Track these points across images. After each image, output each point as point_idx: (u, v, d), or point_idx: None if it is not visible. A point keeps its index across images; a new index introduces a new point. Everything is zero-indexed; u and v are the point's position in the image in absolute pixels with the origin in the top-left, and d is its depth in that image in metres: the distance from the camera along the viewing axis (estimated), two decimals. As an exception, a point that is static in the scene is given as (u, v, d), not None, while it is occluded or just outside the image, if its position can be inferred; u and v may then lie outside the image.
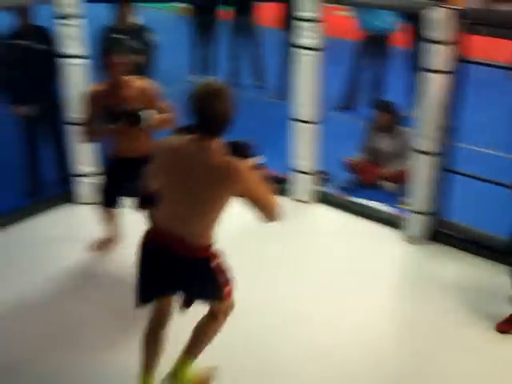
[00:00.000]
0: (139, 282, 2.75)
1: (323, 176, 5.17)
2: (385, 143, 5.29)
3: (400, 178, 5.09)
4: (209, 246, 2.69)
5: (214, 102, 2.47)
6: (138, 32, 4.85)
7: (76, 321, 3.55)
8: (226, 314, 2.89)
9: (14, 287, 3.81)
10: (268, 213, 2.62)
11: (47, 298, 3.76)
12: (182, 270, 2.68)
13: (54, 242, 4.28)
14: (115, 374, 3.14)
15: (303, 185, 4.85)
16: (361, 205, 4.78)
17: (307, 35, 4.41)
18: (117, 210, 4.02)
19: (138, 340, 2.90)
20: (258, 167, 2.63)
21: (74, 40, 4.35)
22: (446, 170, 4.21)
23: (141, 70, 4.85)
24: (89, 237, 4.20)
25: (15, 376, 3.16)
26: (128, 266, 3.01)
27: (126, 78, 3.68)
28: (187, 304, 2.82)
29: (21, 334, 3.46)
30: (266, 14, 7.76)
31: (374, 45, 6.73)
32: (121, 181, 3.84)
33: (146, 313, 2.87)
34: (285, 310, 3.64)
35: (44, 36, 4.71)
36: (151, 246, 2.68)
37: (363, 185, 5.28)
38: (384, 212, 4.65)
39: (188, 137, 2.57)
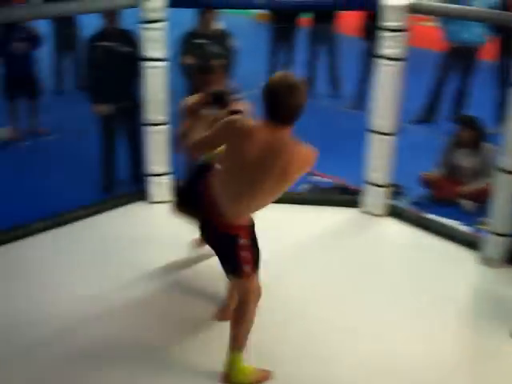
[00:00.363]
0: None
1: (397, 190, 5.05)
2: (466, 160, 5.11)
3: (480, 197, 4.90)
4: (243, 226, 2.86)
5: (290, 94, 2.61)
6: (219, 37, 4.91)
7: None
8: (249, 300, 2.97)
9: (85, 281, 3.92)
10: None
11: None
12: (216, 239, 2.94)
13: (120, 238, 4.36)
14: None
15: (375, 197, 4.74)
16: (435, 222, 4.63)
17: (390, 45, 4.32)
18: None
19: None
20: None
21: (157, 43, 4.44)
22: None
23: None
24: (154, 235, 4.30)
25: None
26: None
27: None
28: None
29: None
30: (347, 22, 7.67)
31: (461, 57, 6.52)
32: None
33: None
34: (346, 323, 3.56)
35: (128, 39, 4.88)
36: (203, 208, 2.93)
37: (439, 201, 5.11)
38: (459, 231, 4.48)
39: (263, 123, 2.70)
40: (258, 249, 2.96)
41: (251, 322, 3.01)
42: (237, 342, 3.02)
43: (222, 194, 2.81)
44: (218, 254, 3.01)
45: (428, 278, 4.02)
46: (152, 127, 4.66)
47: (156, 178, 4.81)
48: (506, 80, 5.71)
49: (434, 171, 5.23)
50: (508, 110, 3.89)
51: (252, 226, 2.94)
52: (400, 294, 3.84)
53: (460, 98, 6.63)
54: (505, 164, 3.96)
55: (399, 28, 4.28)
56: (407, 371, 3.26)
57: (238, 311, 3.01)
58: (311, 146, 2.74)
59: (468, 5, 6.26)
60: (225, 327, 3.11)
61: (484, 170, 4.99)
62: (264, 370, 3.12)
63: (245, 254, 2.88)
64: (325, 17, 7.34)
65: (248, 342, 3.05)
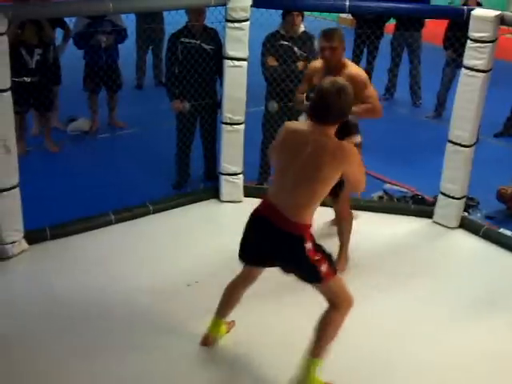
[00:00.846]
0: (241, 242, 3.09)
1: (472, 203, 4.95)
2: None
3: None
4: (304, 226, 2.88)
5: (332, 96, 2.80)
6: (303, 39, 4.93)
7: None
8: (339, 306, 2.93)
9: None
10: (356, 188, 3.06)
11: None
12: (277, 242, 2.90)
13: (190, 232, 4.48)
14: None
15: (450, 209, 4.67)
16: (508, 237, 4.52)
17: (476, 56, 4.24)
18: None
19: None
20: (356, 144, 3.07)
21: (240, 43, 4.53)
22: None
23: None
24: (223, 233, 4.39)
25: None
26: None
27: (341, 62, 3.84)
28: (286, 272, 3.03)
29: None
30: (434, 31, 7.55)
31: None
32: None
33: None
34: (414, 332, 3.56)
35: (211, 36, 4.89)
36: (257, 214, 2.99)
37: (514, 217, 4.98)
38: (504, 235, 4.38)
39: (307, 122, 2.94)
40: (324, 249, 2.96)
41: (336, 330, 2.95)
42: (317, 348, 2.96)
43: (280, 193, 2.90)
44: (284, 265, 2.98)
45: (496, 293, 3.95)
46: (229, 126, 4.76)
47: (229, 176, 4.90)
48: None
49: (511, 186, 5.10)
50: None
51: (311, 226, 2.94)
52: (464, 309, 3.79)
53: None
54: None
55: (487, 39, 4.20)
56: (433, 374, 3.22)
57: (326, 316, 2.95)
58: (350, 145, 2.95)
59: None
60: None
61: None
62: None
63: (316, 256, 2.88)
64: (409, 24, 7.24)
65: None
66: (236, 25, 4.48)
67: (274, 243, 2.91)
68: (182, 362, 3.29)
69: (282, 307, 3.67)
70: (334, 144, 2.85)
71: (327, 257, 2.93)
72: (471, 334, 3.58)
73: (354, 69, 3.88)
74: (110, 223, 4.51)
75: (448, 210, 4.68)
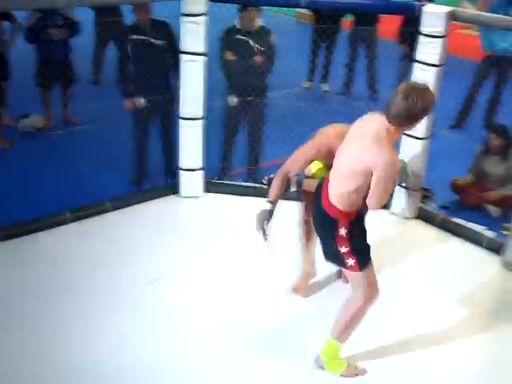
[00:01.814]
0: None
1: (427, 193, 5.07)
2: (495, 167, 5.11)
3: (506, 203, 4.95)
4: (342, 212, 2.95)
5: (406, 97, 2.74)
6: (260, 34, 4.95)
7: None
8: (362, 296, 3.03)
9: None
10: (375, 203, 2.90)
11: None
12: (318, 218, 3.11)
13: (149, 229, 4.46)
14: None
15: (406, 201, 4.78)
16: (462, 226, 4.66)
17: (429, 51, 4.34)
18: None
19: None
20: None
21: (197, 37, 4.51)
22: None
23: (262, 72, 4.98)
24: (183, 229, 4.40)
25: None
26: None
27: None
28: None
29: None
30: (389, 27, 7.66)
31: (497, 66, 6.50)
32: None
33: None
34: (379, 323, 3.59)
35: (163, 31, 4.83)
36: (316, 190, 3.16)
37: (467, 206, 5.12)
38: (484, 236, 4.50)
39: (377, 116, 2.88)
40: (364, 244, 3.05)
41: (358, 320, 3.07)
42: (337, 331, 3.10)
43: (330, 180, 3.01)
44: (319, 235, 3.18)
45: (451, 280, 4.07)
46: (188, 121, 4.74)
47: (189, 172, 4.89)
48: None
49: (464, 177, 5.24)
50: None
51: (358, 219, 3.02)
52: (422, 296, 3.89)
53: (494, 106, 6.59)
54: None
55: (438, 34, 4.30)
56: (423, 372, 3.31)
57: (348, 303, 3.07)
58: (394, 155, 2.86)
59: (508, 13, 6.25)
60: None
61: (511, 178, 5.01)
62: (358, 367, 3.21)
63: (344, 249, 2.98)
64: (365, 19, 7.35)
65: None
66: (192, 19, 4.46)
67: (317, 217, 3.13)
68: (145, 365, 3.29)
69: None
70: (377, 145, 2.88)
71: (357, 251, 2.99)
72: (421, 319, 3.68)
73: None
74: (65, 222, 4.45)
75: (404, 201, 4.78)
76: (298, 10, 10.61)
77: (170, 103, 5.05)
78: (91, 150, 5.66)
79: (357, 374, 3.19)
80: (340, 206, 2.96)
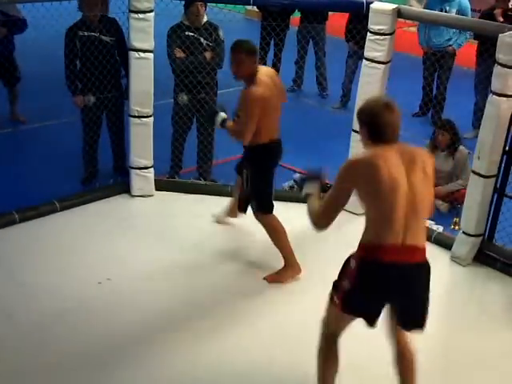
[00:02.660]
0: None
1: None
2: (443, 163, 5.22)
3: (454, 198, 5.08)
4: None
5: (391, 113, 2.64)
6: (207, 30, 4.92)
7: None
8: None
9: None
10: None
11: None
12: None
13: (99, 229, 4.40)
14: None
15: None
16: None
17: (376, 48, 4.40)
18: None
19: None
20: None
21: (145, 34, 4.46)
22: (501, 194, 4.19)
23: (212, 68, 4.95)
24: (135, 228, 4.36)
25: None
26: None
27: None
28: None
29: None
30: (337, 24, 7.75)
31: (437, 61, 6.68)
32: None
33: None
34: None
35: (111, 27, 4.76)
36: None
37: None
38: (434, 230, 4.60)
39: (378, 149, 2.67)
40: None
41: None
42: None
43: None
44: None
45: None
46: (137, 119, 4.68)
47: (140, 170, 4.82)
48: (484, 87, 5.87)
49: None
50: (484, 116, 4.03)
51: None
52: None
53: (439, 102, 6.76)
54: (478, 167, 4.10)
55: (385, 32, 4.37)
56: (372, 366, 3.34)
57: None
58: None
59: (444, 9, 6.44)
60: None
61: (459, 173, 5.14)
62: None
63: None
64: (313, 17, 7.40)
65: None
66: (140, 15, 4.41)
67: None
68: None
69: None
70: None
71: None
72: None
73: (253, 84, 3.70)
74: (13, 222, 4.34)
75: (354, 197, 4.83)
76: (245, 7, 10.59)
77: (119, 101, 4.98)
78: (40, 149, 5.53)
79: None
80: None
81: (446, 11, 6.48)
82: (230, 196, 4.82)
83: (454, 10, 6.53)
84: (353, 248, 4.21)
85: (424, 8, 6.43)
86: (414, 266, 2.63)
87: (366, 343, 3.30)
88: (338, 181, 2.72)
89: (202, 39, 4.89)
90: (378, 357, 3.25)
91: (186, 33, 4.88)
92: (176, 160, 5.24)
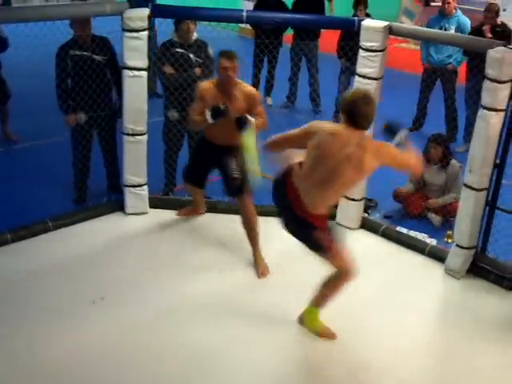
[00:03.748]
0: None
1: (370, 204, 5.17)
2: (435, 176, 5.26)
3: (447, 211, 5.10)
4: (320, 216, 3.35)
5: (365, 105, 3.18)
6: (197, 47, 4.96)
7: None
8: (342, 276, 3.46)
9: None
10: (411, 169, 3.45)
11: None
12: (293, 225, 3.46)
13: (94, 247, 4.40)
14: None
15: (350, 211, 4.86)
16: (405, 235, 4.77)
17: (368, 64, 4.44)
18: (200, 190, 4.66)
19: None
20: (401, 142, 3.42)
21: (139, 53, 4.49)
22: (492, 207, 4.22)
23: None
24: (129, 246, 4.35)
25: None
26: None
27: (236, 81, 4.16)
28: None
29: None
30: (330, 40, 7.82)
31: (437, 78, 6.76)
32: (207, 163, 4.43)
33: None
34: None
35: (102, 46, 4.79)
36: (282, 190, 3.41)
37: (409, 215, 5.25)
38: (427, 244, 4.63)
39: (341, 126, 3.27)
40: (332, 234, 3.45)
41: (337, 292, 3.53)
42: (318, 300, 3.59)
43: (305, 185, 3.31)
44: (297, 237, 3.49)
45: (396, 288, 4.16)
46: (131, 137, 4.70)
47: (134, 188, 4.83)
48: (474, 101, 5.92)
49: (405, 186, 5.37)
50: (475, 131, 4.06)
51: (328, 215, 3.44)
52: (368, 306, 3.96)
53: (453, 118, 6.77)
54: (470, 181, 4.13)
55: (377, 48, 4.42)
56: (370, 381, 3.36)
57: (332, 279, 3.50)
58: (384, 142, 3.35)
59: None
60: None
61: (451, 187, 5.16)
62: (330, 331, 3.65)
63: (320, 236, 3.35)
64: (305, 34, 7.47)
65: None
66: (134, 34, 4.44)
67: (292, 224, 3.46)
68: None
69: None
70: (373, 144, 3.30)
71: (332, 239, 3.40)
72: (368, 327, 3.76)
73: (248, 86, 4.27)
74: (6, 242, 4.32)
75: (349, 211, 4.86)
76: (238, 25, 10.68)
77: (111, 119, 4.99)
78: (33, 168, 5.51)
79: (329, 336, 3.64)
80: (320, 212, 3.35)
81: (445, 29, 6.57)
82: (224, 212, 4.85)
83: (453, 27, 6.62)
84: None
85: (425, 26, 6.51)
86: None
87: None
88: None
89: (191, 56, 4.93)
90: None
91: (177, 49, 4.92)
92: (169, 177, 5.25)
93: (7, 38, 5.85)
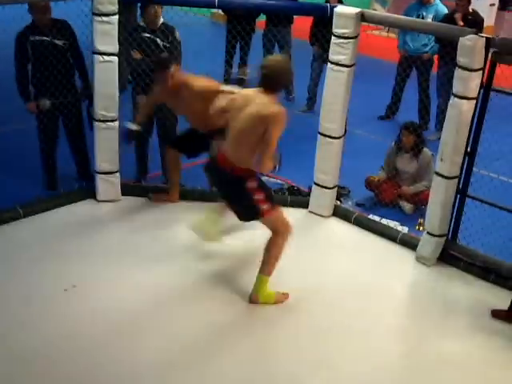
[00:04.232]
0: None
1: (343, 192, 5.19)
2: (407, 164, 5.30)
3: (419, 200, 5.15)
4: (248, 171, 3.58)
5: (274, 67, 3.56)
6: (164, 31, 4.88)
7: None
8: (282, 233, 3.66)
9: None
10: (267, 158, 3.53)
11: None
12: (226, 186, 3.74)
13: (65, 235, 4.35)
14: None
15: (323, 199, 4.87)
16: (377, 223, 4.81)
17: (341, 52, 4.44)
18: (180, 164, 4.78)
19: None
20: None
21: (110, 37, 4.41)
22: (463, 195, 4.27)
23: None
24: (100, 233, 4.32)
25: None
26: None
27: (181, 82, 4.38)
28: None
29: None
30: (303, 27, 7.80)
31: (416, 67, 6.80)
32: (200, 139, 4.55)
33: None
34: (292, 323, 3.69)
35: (64, 31, 4.68)
36: (213, 164, 3.83)
37: (381, 203, 5.29)
38: (399, 231, 4.67)
39: (253, 89, 3.65)
40: (268, 189, 3.74)
41: (280, 253, 3.68)
42: (265, 267, 3.70)
43: (227, 145, 3.63)
44: (232, 201, 3.77)
45: (368, 275, 4.19)
46: (103, 123, 4.63)
47: (105, 175, 4.76)
48: (446, 89, 5.98)
49: (378, 174, 5.40)
50: (447, 118, 4.10)
51: (258, 175, 3.67)
52: (341, 292, 3.99)
53: (424, 106, 6.81)
54: (441, 169, 4.17)
55: (349, 35, 4.41)
56: (342, 366, 3.39)
57: (270, 242, 3.68)
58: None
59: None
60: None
61: (423, 175, 5.21)
62: (283, 293, 3.81)
63: (257, 196, 3.58)
64: (278, 20, 7.43)
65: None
66: (104, 19, 4.36)
67: (225, 185, 3.75)
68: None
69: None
70: (275, 108, 3.52)
71: (268, 197, 3.63)
72: (340, 314, 3.79)
73: (198, 81, 4.42)
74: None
75: (321, 199, 4.87)
76: (212, 10, 10.57)
77: (75, 105, 4.90)
78: (1, 154, 5.36)
79: (285, 298, 3.80)
80: (245, 166, 3.56)
81: (422, 17, 6.60)
82: (196, 200, 4.83)
83: (431, 16, 6.64)
84: (321, 248, 4.32)
85: (403, 14, 6.53)
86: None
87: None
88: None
89: (158, 40, 4.86)
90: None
91: (144, 34, 4.84)
92: (141, 164, 5.19)
93: None
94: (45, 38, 4.64)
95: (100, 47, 4.43)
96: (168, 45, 4.87)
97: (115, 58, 4.50)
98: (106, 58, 4.46)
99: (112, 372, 3.22)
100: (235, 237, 4.38)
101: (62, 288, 3.77)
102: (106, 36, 4.40)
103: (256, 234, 4.07)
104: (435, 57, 6.77)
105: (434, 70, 6.80)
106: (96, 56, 4.46)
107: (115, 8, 4.37)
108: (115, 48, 4.47)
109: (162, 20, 4.91)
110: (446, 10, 6.75)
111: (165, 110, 4.89)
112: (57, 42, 4.67)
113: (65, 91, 4.77)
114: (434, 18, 6.59)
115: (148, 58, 4.83)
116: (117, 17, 4.40)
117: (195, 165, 5.01)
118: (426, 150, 5.24)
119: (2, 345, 3.32)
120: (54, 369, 3.21)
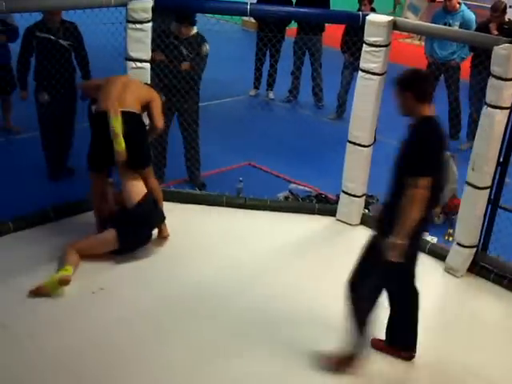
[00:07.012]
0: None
1: (371, 200, 5.15)
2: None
3: (448, 209, 5.07)
4: None
5: None
6: (192, 42, 4.93)
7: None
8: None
9: None
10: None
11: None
12: None
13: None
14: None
15: (351, 207, 4.85)
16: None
17: (372, 60, 4.42)
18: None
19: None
20: None
21: (143, 44, 4.49)
22: (495, 205, 4.20)
23: (191, 78, 4.96)
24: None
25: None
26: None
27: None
28: None
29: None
30: (334, 35, 7.79)
31: (445, 75, 6.74)
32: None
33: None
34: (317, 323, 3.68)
35: (71, 32, 4.92)
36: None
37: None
38: (428, 241, 4.61)
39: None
40: None
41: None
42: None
43: None
44: None
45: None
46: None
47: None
48: (478, 99, 5.90)
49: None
50: (480, 128, 4.05)
51: None
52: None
53: (455, 113, 6.75)
54: (473, 179, 4.12)
55: (381, 43, 4.39)
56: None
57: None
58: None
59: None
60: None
61: (453, 184, 5.12)
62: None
63: None
64: (309, 28, 7.44)
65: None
66: (137, 26, 4.44)
67: None
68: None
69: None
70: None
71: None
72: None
73: None
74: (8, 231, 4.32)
75: (349, 207, 4.85)
76: (242, 17, 10.62)
77: (73, 103, 5.12)
78: (34, 158, 5.37)
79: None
80: None
81: (449, 24, 6.52)
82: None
83: (457, 23, 6.57)
84: (351, 257, 4.29)
85: (430, 22, 6.47)
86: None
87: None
88: None
89: (182, 48, 4.90)
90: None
91: (171, 39, 4.90)
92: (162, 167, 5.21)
93: (17, 28, 5.81)
94: (51, 36, 4.88)
95: (133, 54, 4.50)
96: (191, 55, 4.92)
97: (147, 65, 4.56)
98: (139, 64, 4.53)
99: (137, 371, 3.25)
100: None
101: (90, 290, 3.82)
102: (138, 43, 4.48)
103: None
104: (466, 64, 6.69)
105: (465, 78, 6.72)
106: (128, 62, 4.53)
107: (149, 16, 4.44)
108: (148, 55, 4.54)
109: (195, 30, 4.96)
110: (473, 17, 6.67)
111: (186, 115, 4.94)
112: (62, 42, 4.90)
113: (62, 90, 4.96)
114: (461, 26, 6.51)
115: (171, 63, 4.89)
116: (150, 24, 4.47)
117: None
118: (448, 154, 5.13)
119: (32, 345, 3.37)
120: (81, 367, 3.26)
